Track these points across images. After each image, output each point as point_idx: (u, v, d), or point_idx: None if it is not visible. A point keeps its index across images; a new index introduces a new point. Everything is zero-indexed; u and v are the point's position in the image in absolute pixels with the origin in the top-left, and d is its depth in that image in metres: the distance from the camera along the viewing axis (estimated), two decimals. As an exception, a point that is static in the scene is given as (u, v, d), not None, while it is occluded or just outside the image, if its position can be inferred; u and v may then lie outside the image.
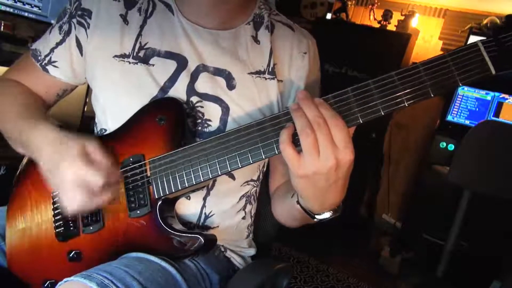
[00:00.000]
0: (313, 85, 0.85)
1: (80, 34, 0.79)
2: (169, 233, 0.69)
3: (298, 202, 0.67)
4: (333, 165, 0.55)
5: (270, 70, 0.80)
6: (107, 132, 0.80)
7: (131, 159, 0.72)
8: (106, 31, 0.78)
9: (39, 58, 0.83)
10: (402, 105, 0.56)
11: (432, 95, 0.56)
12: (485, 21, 2.85)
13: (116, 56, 0.77)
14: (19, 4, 1.72)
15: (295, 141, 0.57)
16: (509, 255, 2.26)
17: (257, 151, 0.62)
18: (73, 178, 0.64)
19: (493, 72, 0.54)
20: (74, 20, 0.79)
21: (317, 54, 0.87)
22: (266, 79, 0.80)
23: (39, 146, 0.69)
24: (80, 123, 1.93)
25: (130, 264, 0.65)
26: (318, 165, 0.55)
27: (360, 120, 0.57)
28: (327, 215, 0.65)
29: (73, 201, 0.64)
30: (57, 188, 0.67)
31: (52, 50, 0.82)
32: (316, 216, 0.66)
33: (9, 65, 0.90)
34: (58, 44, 0.81)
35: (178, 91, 0.76)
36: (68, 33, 0.80)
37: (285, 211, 0.79)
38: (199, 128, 0.76)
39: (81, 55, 0.80)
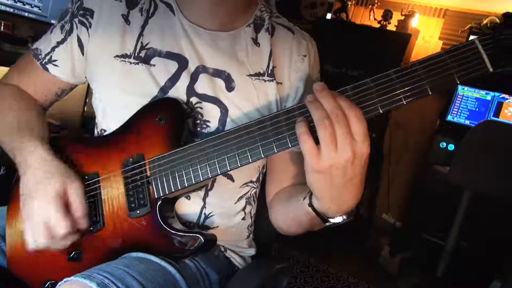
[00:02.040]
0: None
1: (81, 33, 0.79)
2: (169, 232, 0.69)
3: (310, 205, 0.64)
4: (350, 157, 0.54)
5: (269, 72, 0.80)
6: (107, 132, 0.80)
7: (130, 159, 0.72)
8: (108, 31, 0.78)
9: (40, 57, 0.83)
10: (400, 103, 0.56)
11: (430, 93, 0.56)
12: (485, 21, 2.85)
13: (117, 56, 0.77)
14: (19, 4, 1.72)
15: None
16: (509, 255, 2.25)
17: (256, 150, 0.62)
18: (39, 218, 0.66)
19: (491, 69, 0.54)
20: (76, 20, 0.79)
21: (317, 57, 0.86)
22: (265, 81, 0.80)
23: (25, 168, 0.70)
24: (80, 123, 1.93)
25: (130, 264, 0.65)
26: (335, 157, 0.53)
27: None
28: (340, 219, 0.62)
29: (34, 237, 0.66)
30: (24, 217, 0.68)
31: (53, 49, 0.82)
32: (330, 220, 0.63)
33: (9, 65, 0.90)
34: (59, 43, 0.81)
35: (178, 91, 0.76)
36: (69, 32, 0.80)
37: (290, 216, 0.74)
38: (198, 129, 0.77)
39: (82, 54, 0.80)
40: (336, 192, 0.58)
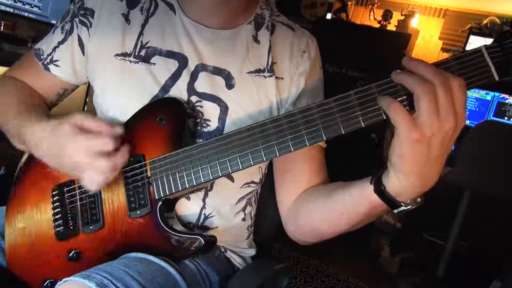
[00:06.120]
0: (316, 83, 0.85)
1: (82, 33, 0.79)
2: (169, 233, 0.69)
3: (378, 191, 0.59)
4: (452, 127, 0.51)
5: (269, 68, 0.80)
6: (107, 132, 0.80)
7: (131, 159, 0.72)
8: (108, 30, 0.78)
9: (42, 57, 0.83)
10: (406, 108, 0.56)
11: None
12: (485, 21, 2.85)
13: (117, 54, 0.77)
14: (19, 4, 1.72)
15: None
16: (509, 255, 2.26)
17: (258, 153, 0.62)
18: (80, 154, 0.63)
19: (497, 78, 0.53)
20: (77, 20, 0.80)
21: (318, 53, 0.86)
22: (265, 77, 0.80)
23: (37, 142, 0.70)
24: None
25: (129, 264, 0.65)
26: (437, 125, 0.50)
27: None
28: (409, 205, 0.58)
29: (95, 173, 0.64)
30: (74, 173, 0.66)
31: (54, 49, 0.82)
32: (402, 204, 0.58)
33: (9, 65, 0.90)
34: (60, 43, 0.82)
35: (179, 90, 0.76)
36: (70, 32, 0.81)
37: (336, 212, 0.68)
38: (198, 128, 0.77)
39: (83, 54, 0.80)
40: (428, 166, 0.54)
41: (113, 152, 0.64)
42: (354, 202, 0.64)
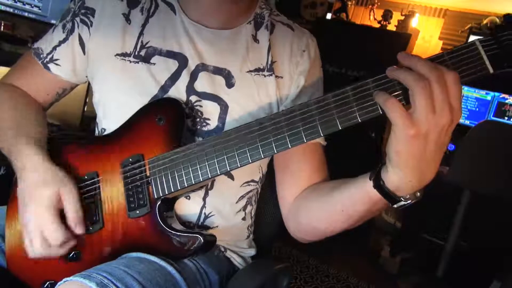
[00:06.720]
0: (316, 82, 0.85)
1: (83, 32, 0.80)
2: (168, 233, 0.69)
3: (377, 186, 0.58)
4: (447, 122, 0.51)
5: (268, 67, 0.80)
6: (107, 131, 0.80)
7: (130, 159, 0.72)
8: (108, 29, 0.78)
9: (41, 56, 0.83)
10: (402, 103, 0.56)
11: None
12: (485, 21, 2.85)
13: (117, 54, 0.77)
14: (19, 4, 1.72)
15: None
16: (509, 255, 2.25)
17: (256, 150, 0.62)
18: (35, 227, 0.67)
19: (491, 71, 0.54)
20: (77, 19, 0.80)
21: (317, 52, 0.87)
22: (265, 76, 0.80)
23: (21, 172, 0.71)
24: (80, 123, 1.93)
25: (129, 264, 0.65)
26: (433, 121, 0.50)
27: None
28: (412, 197, 0.58)
29: (31, 245, 0.68)
30: (21, 222, 0.70)
31: (54, 48, 0.82)
32: (401, 198, 0.58)
33: (9, 65, 0.90)
34: (61, 42, 0.82)
35: (178, 90, 0.77)
36: (71, 31, 0.81)
37: (335, 210, 0.67)
38: (198, 127, 0.77)
39: (83, 53, 0.81)
40: (424, 162, 0.54)
41: (55, 246, 0.68)
42: (354, 198, 0.64)
